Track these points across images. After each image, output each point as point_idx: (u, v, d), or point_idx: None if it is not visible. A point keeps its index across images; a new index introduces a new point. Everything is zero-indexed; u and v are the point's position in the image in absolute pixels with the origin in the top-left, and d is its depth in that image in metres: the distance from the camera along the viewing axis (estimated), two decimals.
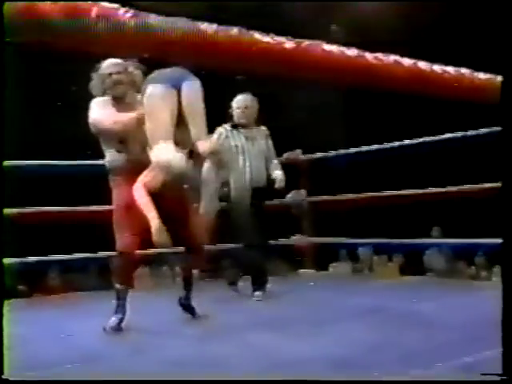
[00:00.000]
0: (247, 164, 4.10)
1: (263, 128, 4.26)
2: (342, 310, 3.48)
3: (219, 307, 3.54)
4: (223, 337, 2.85)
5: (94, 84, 3.23)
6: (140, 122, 3.08)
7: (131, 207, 3.04)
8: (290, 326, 3.03)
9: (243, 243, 4.10)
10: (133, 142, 3.17)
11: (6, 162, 4.08)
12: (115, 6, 1.25)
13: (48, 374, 2.24)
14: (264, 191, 4.16)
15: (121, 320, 3.07)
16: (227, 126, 4.16)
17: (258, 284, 4.06)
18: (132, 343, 2.86)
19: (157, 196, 3.06)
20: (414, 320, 3.05)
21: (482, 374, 1.81)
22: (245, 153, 4.11)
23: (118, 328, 3.05)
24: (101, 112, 3.16)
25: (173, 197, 3.17)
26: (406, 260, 5.52)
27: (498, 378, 1.65)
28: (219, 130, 4.15)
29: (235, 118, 4.16)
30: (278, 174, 4.15)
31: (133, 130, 3.12)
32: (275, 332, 2.89)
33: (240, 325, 3.15)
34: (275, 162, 4.25)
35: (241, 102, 4.16)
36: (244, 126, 4.16)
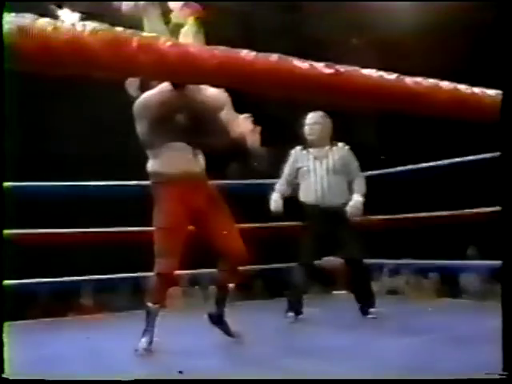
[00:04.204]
0: (313, 184, 4.03)
1: (340, 145, 4.15)
2: (378, 332, 3.43)
3: (253, 329, 3.50)
4: (257, 359, 2.81)
5: (132, 84, 3.11)
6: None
7: (174, 226, 3.01)
8: (325, 349, 2.98)
9: (301, 261, 4.03)
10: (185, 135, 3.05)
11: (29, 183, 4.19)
12: (154, 35, 1.26)
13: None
14: (344, 210, 3.97)
15: (151, 341, 3.05)
16: (298, 148, 4.15)
17: (293, 305, 4.02)
18: (164, 364, 2.85)
19: (207, 206, 3.07)
20: (453, 342, 2.99)
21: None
22: (310, 172, 4.04)
23: (148, 349, 3.03)
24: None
25: (221, 210, 3.15)
26: (441, 281, 5.42)
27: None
28: (291, 152, 4.16)
29: (305, 136, 4.13)
30: (354, 200, 3.98)
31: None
32: (311, 355, 2.85)
33: (275, 347, 3.12)
34: (357, 182, 4.07)
35: (309, 119, 4.13)
36: (314, 145, 4.10)
